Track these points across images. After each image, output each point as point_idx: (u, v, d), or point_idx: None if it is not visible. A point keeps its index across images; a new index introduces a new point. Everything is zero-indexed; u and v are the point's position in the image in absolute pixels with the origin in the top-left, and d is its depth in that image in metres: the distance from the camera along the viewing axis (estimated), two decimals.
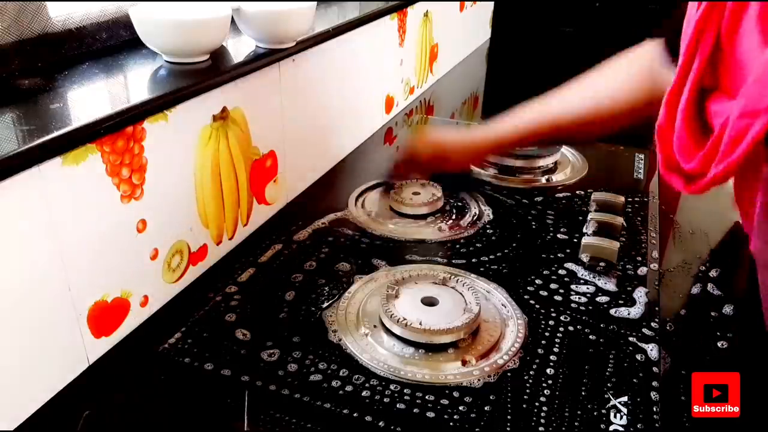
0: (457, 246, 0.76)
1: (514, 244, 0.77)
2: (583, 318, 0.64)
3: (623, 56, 0.76)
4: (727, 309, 0.66)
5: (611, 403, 0.53)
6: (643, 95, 0.71)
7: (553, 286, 0.68)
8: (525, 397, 0.53)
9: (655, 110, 0.74)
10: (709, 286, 0.69)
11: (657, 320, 0.63)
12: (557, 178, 0.95)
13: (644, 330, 0.62)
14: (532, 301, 0.66)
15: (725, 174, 0.44)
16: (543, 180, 0.94)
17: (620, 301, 0.66)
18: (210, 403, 0.53)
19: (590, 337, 0.61)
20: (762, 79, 0.40)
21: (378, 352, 0.58)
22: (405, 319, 0.58)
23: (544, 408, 0.52)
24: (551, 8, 1.74)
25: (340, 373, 0.55)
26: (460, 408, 0.52)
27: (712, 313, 0.65)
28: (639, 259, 0.74)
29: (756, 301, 0.61)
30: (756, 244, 0.52)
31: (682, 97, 0.49)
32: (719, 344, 0.61)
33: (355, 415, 0.51)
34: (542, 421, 0.51)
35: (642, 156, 1.03)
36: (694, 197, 0.91)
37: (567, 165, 0.99)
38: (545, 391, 0.54)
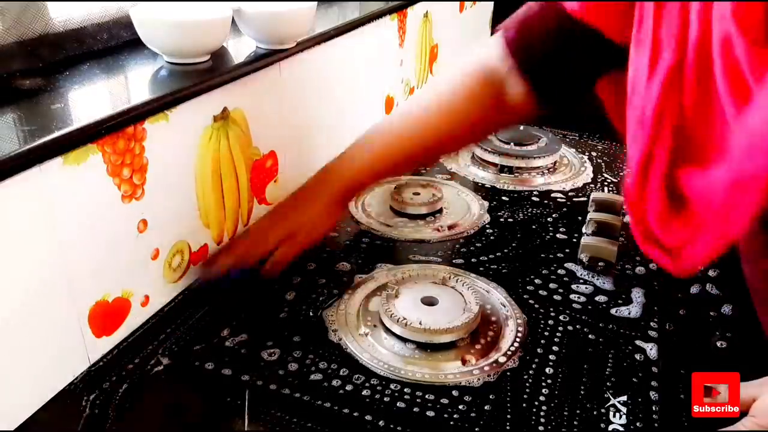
0: (457, 246, 0.76)
1: (513, 244, 0.77)
2: (583, 318, 0.64)
3: (463, 59, 0.69)
4: (727, 309, 0.66)
5: (611, 402, 0.53)
6: (482, 100, 0.66)
7: (552, 285, 0.69)
8: (525, 396, 0.54)
9: (502, 119, 0.68)
10: (709, 286, 0.69)
11: (656, 320, 0.63)
12: (557, 178, 0.95)
13: (644, 330, 0.62)
14: (531, 301, 0.66)
15: (723, 248, 0.41)
16: (543, 180, 0.94)
17: (619, 301, 0.66)
18: (210, 403, 0.53)
19: (590, 336, 0.61)
20: (750, 148, 0.37)
21: (378, 352, 0.58)
22: (405, 318, 0.58)
23: (544, 408, 0.53)
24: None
25: (340, 373, 0.55)
26: (460, 407, 0.52)
27: (712, 313, 0.65)
28: (638, 258, 0.74)
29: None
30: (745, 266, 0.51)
31: (653, 173, 0.44)
32: (719, 344, 0.61)
33: (355, 414, 0.51)
34: (542, 420, 0.51)
35: None
36: None
37: (567, 165, 1.00)
38: (545, 391, 0.54)
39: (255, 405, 0.52)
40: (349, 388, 0.54)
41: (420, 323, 0.58)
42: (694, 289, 0.69)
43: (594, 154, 1.04)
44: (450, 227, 0.80)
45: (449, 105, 0.68)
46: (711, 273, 0.72)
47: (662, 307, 0.66)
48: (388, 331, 0.60)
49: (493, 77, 0.64)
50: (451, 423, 0.51)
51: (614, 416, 0.52)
